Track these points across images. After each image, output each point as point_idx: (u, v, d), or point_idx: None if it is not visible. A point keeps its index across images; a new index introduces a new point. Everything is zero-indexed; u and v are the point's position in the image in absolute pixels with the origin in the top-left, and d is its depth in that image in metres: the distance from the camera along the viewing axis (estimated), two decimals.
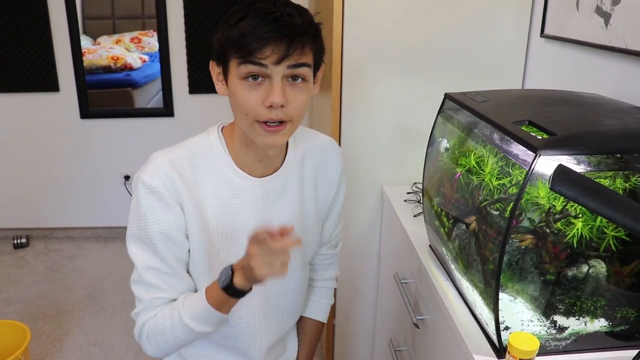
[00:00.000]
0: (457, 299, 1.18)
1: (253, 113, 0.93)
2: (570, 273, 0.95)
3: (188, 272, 1.08)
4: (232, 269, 0.95)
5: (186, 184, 1.00)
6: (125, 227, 1.05)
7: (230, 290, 0.94)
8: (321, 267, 1.31)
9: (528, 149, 0.88)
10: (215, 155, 1.04)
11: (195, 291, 1.07)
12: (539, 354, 0.90)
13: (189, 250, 1.05)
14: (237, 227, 1.05)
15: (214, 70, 0.99)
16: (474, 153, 1.11)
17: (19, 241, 3.46)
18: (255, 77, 0.92)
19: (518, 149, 0.94)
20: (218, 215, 1.04)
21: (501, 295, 0.95)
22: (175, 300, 1.05)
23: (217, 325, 1.03)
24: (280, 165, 1.09)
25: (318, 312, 1.33)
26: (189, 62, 3.29)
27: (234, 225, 1.05)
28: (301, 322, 1.33)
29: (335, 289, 1.38)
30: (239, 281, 0.93)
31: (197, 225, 1.03)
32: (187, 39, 3.24)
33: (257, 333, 1.15)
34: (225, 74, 0.96)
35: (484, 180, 1.06)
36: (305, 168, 1.14)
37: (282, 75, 0.92)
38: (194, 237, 1.03)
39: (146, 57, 4.02)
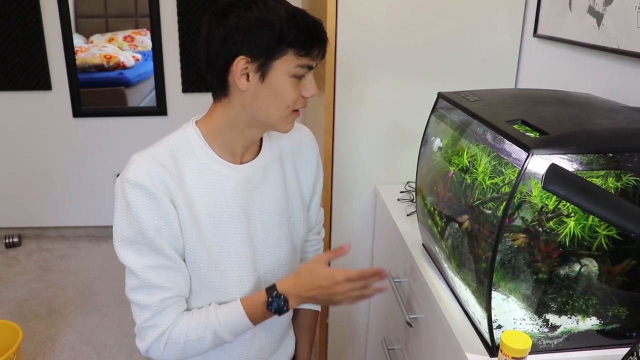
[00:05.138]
0: (450, 297, 1.18)
1: (293, 105, 1.02)
2: (562, 272, 0.95)
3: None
4: (282, 296, 1.04)
5: (172, 176, 1.01)
6: None
7: (283, 312, 1.05)
8: (311, 253, 1.35)
9: (521, 148, 0.88)
10: (194, 147, 1.05)
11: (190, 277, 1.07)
12: (531, 352, 0.90)
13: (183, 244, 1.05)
14: (224, 215, 1.07)
15: (240, 64, 0.96)
16: (467, 152, 1.12)
17: (10, 240, 3.44)
18: (300, 74, 0.99)
19: (511, 148, 0.94)
20: (205, 204, 1.05)
21: (494, 293, 0.95)
22: (180, 297, 1.05)
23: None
24: (259, 152, 1.13)
25: None
26: (182, 60, 3.28)
27: (221, 213, 1.06)
28: (298, 315, 1.34)
29: None
30: (294, 304, 1.06)
31: (188, 216, 1.03)
32: (180, 37, 3.23)
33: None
34: (265, 69, 0.97)
35: (477, 179, 1.06)
36: (283, 152, 1.17)
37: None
38: (187, 229, 1.03)
39: (139, 56, 4.00)
